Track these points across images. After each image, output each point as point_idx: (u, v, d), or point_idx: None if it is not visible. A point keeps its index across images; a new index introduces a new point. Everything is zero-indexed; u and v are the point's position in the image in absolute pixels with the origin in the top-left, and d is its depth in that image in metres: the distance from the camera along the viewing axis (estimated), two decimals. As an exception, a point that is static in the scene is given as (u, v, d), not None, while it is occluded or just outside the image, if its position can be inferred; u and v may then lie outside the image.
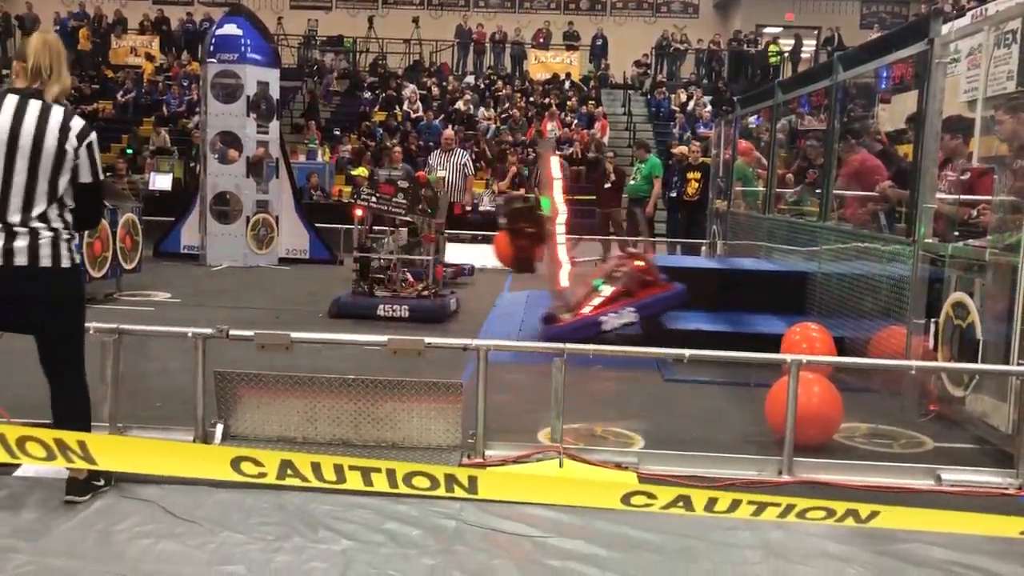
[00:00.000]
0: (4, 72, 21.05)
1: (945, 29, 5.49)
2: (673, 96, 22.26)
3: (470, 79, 23.53)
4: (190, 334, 4.30)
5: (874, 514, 2.33)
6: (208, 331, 4.26)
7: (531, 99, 21.85)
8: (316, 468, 2.42)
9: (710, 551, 3.32)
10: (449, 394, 4.26)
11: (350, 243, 9.98)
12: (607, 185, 13.67)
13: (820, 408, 4.56)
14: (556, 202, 7.03)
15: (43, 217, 3.38)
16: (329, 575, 3.05)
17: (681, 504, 2.35)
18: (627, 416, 5.07)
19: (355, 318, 7.92)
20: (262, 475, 2.44)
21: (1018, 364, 4.44)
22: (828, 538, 3.39)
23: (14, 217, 3.34)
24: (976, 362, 4.74)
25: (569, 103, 21.29)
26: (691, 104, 21.24)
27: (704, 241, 12.73)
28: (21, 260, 3.34)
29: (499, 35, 25.23)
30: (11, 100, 3.36)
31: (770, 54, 23.88)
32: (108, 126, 19.24)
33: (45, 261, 3.38)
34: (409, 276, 8.49)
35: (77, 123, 3.44)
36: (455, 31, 25.51)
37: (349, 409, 4.28)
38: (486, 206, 15.32)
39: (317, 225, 12.91)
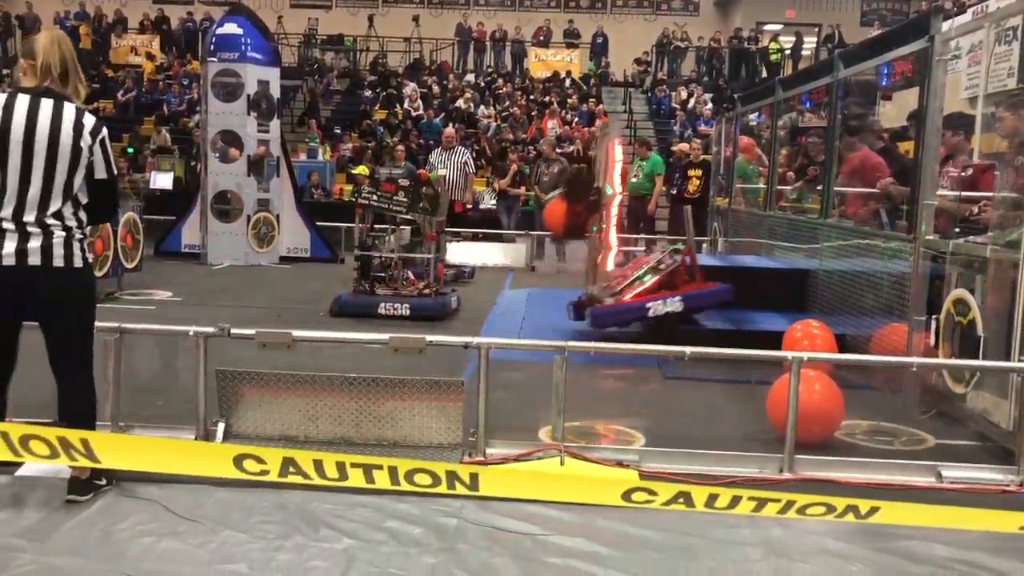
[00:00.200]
0: (4, 72, 21.09)
1: (946, 26, 5.49)
2: (674, 94, 22.25)
3: (470, 77, 23.51)
4: (191, 333, 4.30)
5: (874, 510, 2.34)
6: (210, 330, 4.27)
7: (532, 97, 21.84)
8: (318, 465, 2.44)
9: (711, 549, 3.32)
10: (450, 392, 4.27)
11: (351, 241, 10.00)
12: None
13: (821, 405, 4.57)
14: (614, 185, 7.08)
15: (58, 215, 3.40)
16: (331, 574, 3.06)
17: (681, 501, 2.35)
18: (628, 414, 5.08)
19: (356, 316, 7.93)
20: (264, 472, 2.45)
21: (1019, 361, 4.44)
22: (829, 535, 3.39)
23: (29, 216, 3.36)
24: (977, 359, 4.74)
25: (570, 101, 21.27)
26: (692, 102, 21.22)
27: (705, 238, 12.72)
28: (35, 260, 3.36)
29: (499, 33, 25.21)
30: (23, 99, 3.36)
31: (771, 51, 23.86)
32: (109, 125, 18.80)
33: (58, 261, 3.40)
34: (410, 274, 8.50)
35: (89, 120, 3.46)
36: (455, 29, 25.49)
37: (350, 407, 4.28)
38: (487, 204, 15.32)
39: (318, 223, 12.91)
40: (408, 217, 8.41)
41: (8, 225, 3.34)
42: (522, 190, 14.43)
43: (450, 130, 14.28)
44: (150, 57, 23.59)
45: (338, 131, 19.75)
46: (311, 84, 22.13)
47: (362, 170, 15.91)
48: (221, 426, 4.32)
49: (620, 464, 4.18)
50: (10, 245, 3.34)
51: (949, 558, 3.28)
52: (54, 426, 3.23)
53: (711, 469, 4.14)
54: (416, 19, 24.79)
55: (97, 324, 3.73)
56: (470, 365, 4.61)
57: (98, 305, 3.72)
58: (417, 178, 8.85)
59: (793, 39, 24.24)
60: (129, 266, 9.18)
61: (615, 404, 5.31)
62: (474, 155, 15.61)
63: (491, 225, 14.29)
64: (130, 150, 18.14)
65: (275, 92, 12.55)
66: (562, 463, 4.12)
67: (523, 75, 24.21)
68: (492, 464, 4.12)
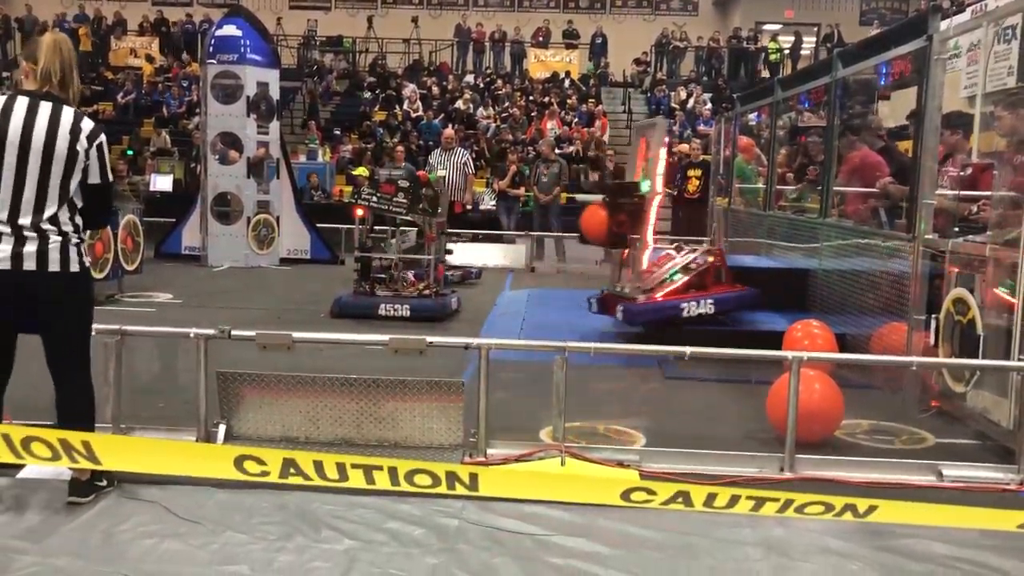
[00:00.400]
0: (3, 75, 21.10)
1: (944, 25, 5.49)
2: (673, 94, 22.25)
3: (470, 78, 23.52)
4: (192, 335, 4.31)
5: (872, 508, 2.35)
6: (210, 332, 4.27)
7: (531, 98, 21.85)
8: (319, 466, 2.44)
9: (712, 548, 3.32)
10: (450, 393, 4.27)
11: (351, 243, 10.00)
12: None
13: (821, 405, 4.57)
14: (656, 184, 7.10)
15: (53, 219, 3.40)
16: (332, 574, 3.06)
17: (680, 500, 2.36)
18: (628, 414, 5.08)
19: (356, 318, 7.93)
20: (265, 474, 2.46)
21: (1019, 360, 4.45)
22: (828, 534, 3.40)
23: (25, 219, 3.36)
24: (977, 358, 4.74)
25: (569, 101, 21.29)
26: (691, 102, 21.23)
27: (705, 238, 12.72)
28: (30, 264, 3.36)
29: (498, 34, 25.21)
30: (22, 102, 3.37)
31: (770, 51, 23.87)
32: (108, 127, 18.94)
33: (54, 266, 3.40)
34: (411, 275, 8.50)
35: (87, 124, 3.46)
36: (454, 30, 25.50)
37: (351, 408, 4.29)
38: (486, 205, 15.33)
39: (318, 225, 12.92)
40: (408, 218, 8.42)
41: (3, 228, 3.34)
42: (522, 191, 14.43)
43: (449, 131, 14.29)
44: (149, 59, 23.61)
45: (338, 132, 19.76)
46: (310, 85, 22.15)
47: (362, 171, 15.90)
48: (222, 428, 4.32)
49: (621, 464, 4.19)
50: (5, 248, 3.34)
51: (950, 556, 3.29)
52: (55, 428, 3.24)
53: (712, 469, 4.14)
54: (415, 20, 24.80)
55: (97, 326, 3.74)
56: (470, 366, 4.61)
57: (98, 307, 3.73)
58: (417, 179, 8.84)
59: (792, 39, 24.24)
60: (129, 268, 9.18)
61: (615, 404, 5.31)
62: (474, 156, 15.62)
63: (491, 226, 14.29)
64: (130, 152, 18.15)
65: (274, 94, 12.56)
66: (563, 463, 4.12)
67: (522, 76, 24.22)
68: (493, 465, 4.12)
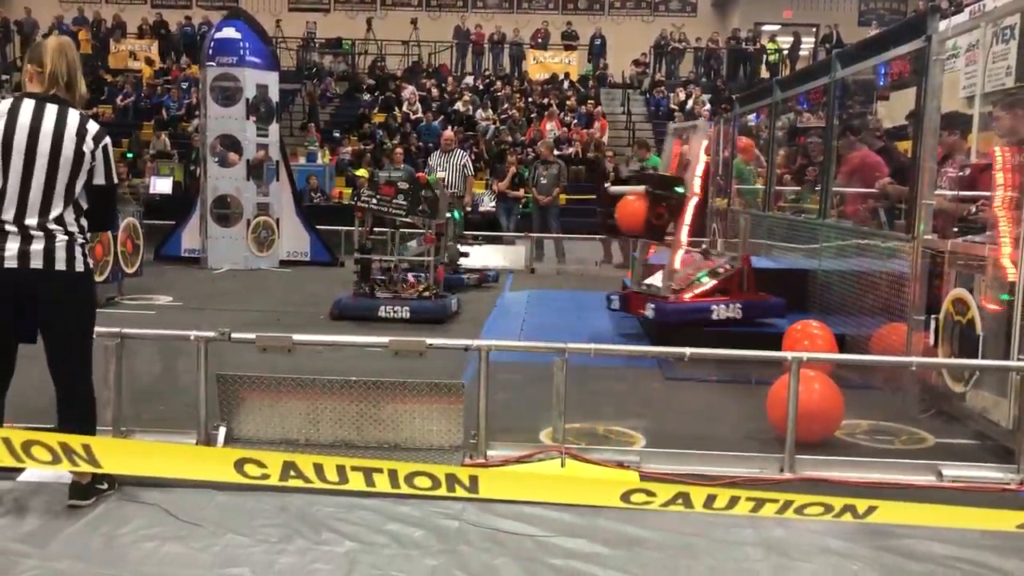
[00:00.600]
0: (3, 78, 21.12)
1: (943, 25, 5.50)
2: (672, 95, 22.27)
3: (469, 80, 23.53)
4: (192, 337, 4.31)
5: (871, 509, 2.35)
6: (210, 334, 4.28)
7: (530, 99, 21.86)
8: (319, 469, 2.44)
9: (712, 548, 3.33)
10: (451, 395, 4.28)
11: (351, 245, 10.00)
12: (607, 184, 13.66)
13: (821, 405, 4.57)
14: (694, 184, 7.11)
15: (59, 220, 3.42)
16: (333, 576, 3.07)
17: (680, 501, 2.36)
18: (628, 415, 5.08)
19: (356, 320, 7.93)
20: (265, 476, 2.45)
21: (1018, 359, 4.45)
22: (829, 535, 3.40)
23: (31, 220, 3.38)
24: (976, 358, 4.75)
25: (568, 103, 21.29)
26: (690, 103, 21.24)
27: (704, 239, 12.72)
28: (37, 263, 3.38)
29: (497, 36, 25.23)
30: (28, 104, 3.39)
31: (769, 52, 23.88)
32: (108, 130, 19.10)
33: (60, 264, 3.42)
34: (410, 277, 8.51)
35: (93, 126, 3.49)
36: (453, 32, 25.52)
37: (351, 410, 4.29)
38: (486, 206, 15.33)
39: (318, 227, 12.92)
40: (407, 220, 8.42)
41: (10, 228, 3.36)
42: (521, 192, 14.43)
43: (449, 133, 14.29)
44: (149, 62, 23.62)
45: (337, 135, 19.77)
46: (310, 88, 22.16)
47: (362, 173, 15.92)
48: (222, 430, 4.33)
49: (621, 465, 4.19)
50: (12, 247, 3.36)
51: (949, 556, 3.29)
52: (55, 431, 3.24)
53: (712, 469, 4.15)
54: (414, 22, 24.82)
55: (98, 329, 3.74)
56: (470, 367, 4.61)
57: (99, 310, 3.73)
58: (416, 181, 8.83)
59: (791, 39, 24.27)
60: (129, 271, 9.18)
61: (615, 405, 5.31)
62: (473, 157, 15.63)
63: (490, 227, 14.30)
64: (129, 155, 18.16)
65: (274, 96, 12.56)
66: (563, 465, 4.13)
67: (521, 77, 24.23)
68: (493, 466, 4.12)
